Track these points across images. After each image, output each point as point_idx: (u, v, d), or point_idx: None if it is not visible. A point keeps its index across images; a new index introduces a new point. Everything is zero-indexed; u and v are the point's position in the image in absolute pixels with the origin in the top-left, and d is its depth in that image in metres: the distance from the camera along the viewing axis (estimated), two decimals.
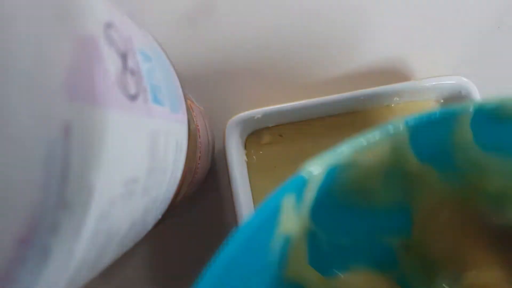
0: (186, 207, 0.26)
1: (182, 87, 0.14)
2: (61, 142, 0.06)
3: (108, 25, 0.09)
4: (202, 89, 0.27)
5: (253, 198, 0.24)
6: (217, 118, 0.26)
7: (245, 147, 0.24)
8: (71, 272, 0.08)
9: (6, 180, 0.06)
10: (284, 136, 0.24)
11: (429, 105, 0.24)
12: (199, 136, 0.18)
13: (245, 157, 0.24)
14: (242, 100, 0.27)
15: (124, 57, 0.09)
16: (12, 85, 0.06)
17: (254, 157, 0.24)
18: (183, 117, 0.13)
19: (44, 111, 0.06)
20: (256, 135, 0.24)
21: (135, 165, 0.09)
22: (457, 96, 0.22)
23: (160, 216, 0.14)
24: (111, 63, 0.08)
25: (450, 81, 0.22)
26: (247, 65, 0.27)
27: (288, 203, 0.14)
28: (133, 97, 0.09)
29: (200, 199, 0.26)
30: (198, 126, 0.18)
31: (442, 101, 0.23)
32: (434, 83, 0.22)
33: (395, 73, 0.27)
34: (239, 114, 0.22)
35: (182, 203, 0.20)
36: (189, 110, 0.15)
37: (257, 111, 0.22)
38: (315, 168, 0.14)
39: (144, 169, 0.10)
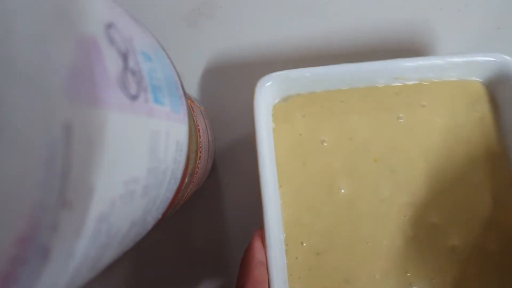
0: (186, 207, 0.26)
1: (182, 87, 0.14)
2: (62, 142, 0.06)
3: (109, 26, 0.09)
4: (203, 89, 0.27)
5: (276, 165, 0.22)
6: (218, 118, 0.26)
7: (272, 113, 0.22)
8: (71, 272, 0.08)
9: (7, 180, 0.06)
10: (316, 104, 0.22)
11: (468, 85, 0.22)
12: (200, 136, 0.18)
13: (272, 124, 0.22)
14: (243, 100, 0.27)
15: (125, 57, 0.09)
16: (13, 85, 0.06)
17: (282, 123, 0.22)
18: (183, 117, 0.13)
19: (45, 111, 0.06)
20: (285, 101, 0.22)
21: (136, 165, 0.09)
22: (500, 75, 0.21)
23: (160, 216, 0.14)
24: (111, 63, 0.08)
25: (491, 58, 0.21)
26: (247, 65, 0.27)
27: None
28: (133, 97, 0.09)
29: (200, 198, 0.26)
30: (198, 126, 0.18)
31: (482, 79, 0.22)
32: (472, 58, 0.21)
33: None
34: (272, 73, 0.20)
35: (182, 203, 0.20)
36: (189, 110, 0.15)
37: (291, 71, 0.21)
38: None
39: (144, 169, 0.10)
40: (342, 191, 0.21)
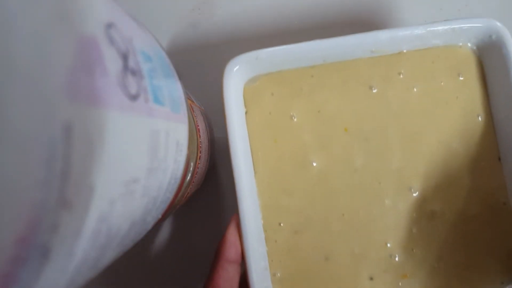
0: (186, 207, 0.26)
1: (182, 87, 0.14)
2: (62, 142, 0.06)
3: (109, 26, 0.09)
4: (203, 89, 0.27)
5: (251, 151, 0.21)
6: (218, 118, 0.26)
7: (244, 97, 0.21)
8: (71, 272, 0.08)
9: (7, 180, 0.06)
10: (285, 81, 0.21)
11: (453, 50, 0.21)
12: (199, 136, 0.18)
13: (244, 108, 0.21)
14: None
15: (125, 57, 0.09)
16: (13, 85, 0.06)
17: (252, 105, 0.21)
18: (183, 117, 0.13)
19: (45, 111, 0.06)
20: (255, 82, 0.21)
21: (136, 165, 0.09)
22: (488, 41, 0.20)
23: (160, 216, 0.14)
24: (111, 63, 0.08)
25: (479, 24, 0.19)
26: None
27: None
28: (133, 97, 0.09)
29: (200, 199, 0.26)
30: (198, 126, 0.18)
31: (469, 45, 0.21)
32: (462, 25, 0.19)
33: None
34: (241, 55, 0.19)
35: (182, 203, 0.20)
36: (189, 110, 0.15)
37: (260, 51, 0.20)
38: None
39: (144, 169, 0.10)
40: (314, 164, 0.20)
